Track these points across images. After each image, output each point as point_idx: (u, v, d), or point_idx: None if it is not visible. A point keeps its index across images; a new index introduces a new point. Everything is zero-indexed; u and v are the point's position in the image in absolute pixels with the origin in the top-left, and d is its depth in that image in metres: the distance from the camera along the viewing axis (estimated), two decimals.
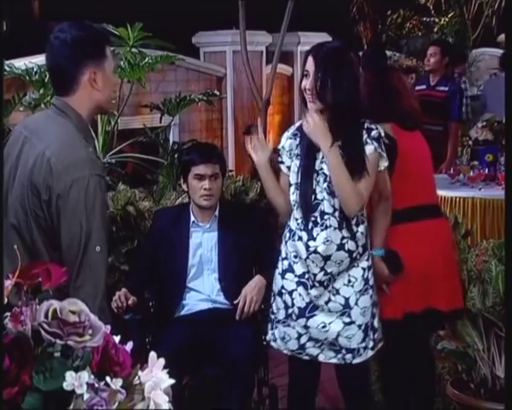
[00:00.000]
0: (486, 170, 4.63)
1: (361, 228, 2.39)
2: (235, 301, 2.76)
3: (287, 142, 2.50)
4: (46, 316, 1.08)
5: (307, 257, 2.39)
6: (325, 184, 2.37)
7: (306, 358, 2.46)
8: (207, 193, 2.85)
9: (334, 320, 2.38)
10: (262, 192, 4.92)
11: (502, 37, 8.58)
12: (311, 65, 2.32)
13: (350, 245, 2.37)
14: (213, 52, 6.53)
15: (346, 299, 2.38)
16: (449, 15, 8.63)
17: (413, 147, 2.69)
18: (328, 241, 2.36)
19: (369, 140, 2.33)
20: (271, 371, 3.13)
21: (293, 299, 2.43)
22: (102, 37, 2.04)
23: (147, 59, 4.60)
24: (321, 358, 2.44)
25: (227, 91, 6.43)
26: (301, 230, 2.40)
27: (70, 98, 1.96)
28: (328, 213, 2.36)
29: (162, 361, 1.11)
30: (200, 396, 2.79)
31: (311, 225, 2.38)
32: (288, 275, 2.45)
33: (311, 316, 2.40)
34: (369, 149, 2.33)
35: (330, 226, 2.36)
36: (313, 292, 2.39)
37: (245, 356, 2.63)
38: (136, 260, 3.13)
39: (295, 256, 2.43)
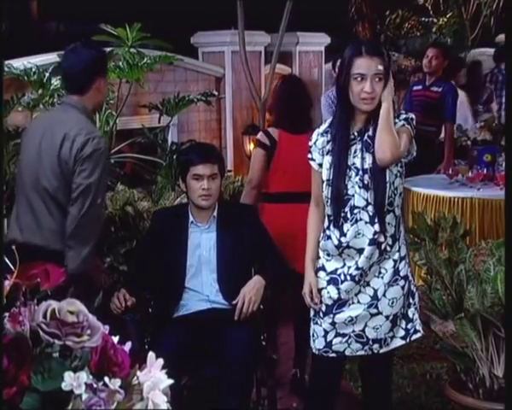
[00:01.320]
0: (485, 170, 4.63)
1: (388, 218, 2.40)
2: (234, 302, 2.77)
3: (319, 139, 2.50)
4: (44, 316, 1.08)
5: (341, 253, 2.42)
6: (357, 178, 2.39)
7: (333, 355, 2.46)
8: (206, 193, 2.85)
9: (360, 313, 2.41)
10: None
11: (500, 37, 8.58)
12: (367, 67, 2.34)
13: (380, 238, 2.38)
14: (212, 52, 6.52)
15: (375, 290, 2.41)
16: (447, 16, 8.63)
17: (292, 148, 3.33)
18: (359, 234, 2.39)
19: (397, 120, 2.39)
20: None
21: (321, 297, 2.46)
22: (106, 56, 2.97)
23: (145, 59, 4.60)
24: (347, 352, 2.46)
25: (226, 91, 6.42)
26: (333, 226, 2.43)
27: (81, 97, 2.75)
28: (358, 207, 2.38)
29: (161, 361, 1.11)
30: (198, 396, 2.79)
31: (341, 221, 2.41)
32: (321, 273, 2.49)
33: (338, 313, 2.43)
34: (398, 124, 2.39)
35: (361, 220, 2.38)
36: (343, 287, 2.41)
37: (243, 356, 2.63)
38: (135, 261, 3.13)
39: (328, 254, 2.46)
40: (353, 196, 2.39)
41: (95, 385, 1.04)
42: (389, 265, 2.42)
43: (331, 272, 2.45)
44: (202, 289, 2.89)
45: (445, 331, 2.94)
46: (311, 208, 2.57)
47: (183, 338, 2.72)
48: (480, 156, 4.83)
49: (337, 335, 2.44)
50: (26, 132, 2.94)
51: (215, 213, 2.94)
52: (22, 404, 1.01)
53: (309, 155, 2.52)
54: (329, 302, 2.44)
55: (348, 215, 2.39)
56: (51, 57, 4.84)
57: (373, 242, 2.37)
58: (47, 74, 4.35)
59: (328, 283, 2.45)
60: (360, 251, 2.39)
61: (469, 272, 2.82)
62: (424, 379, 3.65)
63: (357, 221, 2.38)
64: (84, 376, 1.03)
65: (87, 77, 2.73)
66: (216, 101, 5.99)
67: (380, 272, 2.42)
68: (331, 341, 2.45)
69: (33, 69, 4.36)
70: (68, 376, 1.02)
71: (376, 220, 2.36)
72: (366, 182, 2.37)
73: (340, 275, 2.43)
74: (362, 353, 2.46)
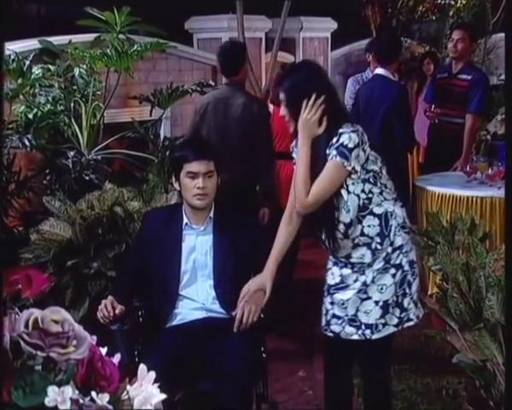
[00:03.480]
0: None
1: (366, 222, 2.65)
2: (234, 313, 2.77)
3: (294, 141, 2.81)
4: (26, 326, 1.08)
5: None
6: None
7: (331, 335, 2.75)
8: (201, 192, 2.86)
9: (351, 297, 2.68)
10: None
11: None
12: (282, 96, 2.69)
13: (361, 241, 2.68)
14: (208, 39, 6.53)
15: (366, 277, 2.69)
16: None
17: (280, 119, 4.63)
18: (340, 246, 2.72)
19: (328, 150, 2.61)
20: (271, 386, 3.14)
21: (327, 276, 2.78)
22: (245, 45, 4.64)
23: (135, 46, 4.59)
24: (342, 335, 2.72)
25: (223, 82, 6.43)
26: None
27: (236, 78, 4.33)
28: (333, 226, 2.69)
29: (152, 375, 1.12)
30: None
31: None
32: (330, 256, 2.81)
33: (335, 293, 2.73)
34: (330, 155, 2.61)
35: (337, 237, 2.69)
36: (343, 271, 2.72)
37: (242, 369, 2.64)
38: (124, 266, 3.14)
39: None
40: None
41: (81, 401, 1.04)
42: (382, 255, 2.67)
43: (335, 256, 2.78)
44: (197, 296, 2.89)
45: (462, 343, 2.95)
46: None
47: (176, 350, 2.72)
48: (501, 152, 4.82)
49: (334, 316, 2.74)
50: (204, 105, 4.38)
51: (211, 214, 2.95)
52: None
53: (293, 155, 2.87)
54: (331, 282, 2.75)
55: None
56: (32, 43, 4.85)
57: (355, 246, 2.67)
58: (27, 62, 4.36)
59: (334, 264, 2.77)
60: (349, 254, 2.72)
61: (489, 279, 2.83)
62: (440, 396, 3.65)
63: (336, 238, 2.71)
64: (69, 390, 1.04)
65: (241, 60, 4.35)
66: None
67: (374, 261, 2.69)
68: (329, 320, 2.75)
69: (12, 56, 4.35)
70: (52, 391, 1.03)
71: (350, 235, 2.67)
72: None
73: (342, 261, 2.74)
74: (356, 337, 2.70)
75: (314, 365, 4.09)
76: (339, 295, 2.71)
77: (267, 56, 6.68)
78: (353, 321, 2.69)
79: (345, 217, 2.64)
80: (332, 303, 2.74)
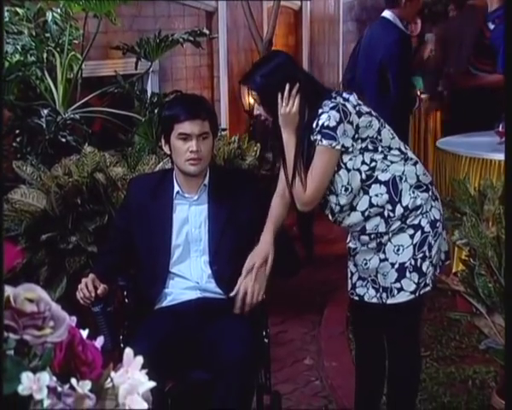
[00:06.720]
0: None
1: (372, 192, 2.75)
2: (233, 293, 2.78)
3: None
4: None
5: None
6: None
7: (356, 298, 2.94)
8: (195, 156, 2.86)
9: (372, 256, 2.84)
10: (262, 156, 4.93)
11: None
12: (254, 95, 2.80)
13: (374, 211, 2.78)
14: None
15: (382, 238, 2.82)
16: None
17: None
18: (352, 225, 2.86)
19: (312, 136, 2.70)
20: (274, 375, 3.17)
21: (349, 241, 2.95)
22: None
23: None
24: (366, 298, 2.90)
25: (219, 30, 6.40)
26: None
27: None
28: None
29: (140, 360, 1.12)
30: (186, 405, 2.83)
31: None
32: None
33: (357, 254, 2.89)
34: (316, 141, 2.71)
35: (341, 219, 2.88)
36: (362, 239, 2.87)
37: (241, 357, 2.65)
38: (107, 240, 3.15)
39: None
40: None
41: (59, 389, 1.05)
42: (399, 211, 2.76)
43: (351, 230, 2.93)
44: (191, 274, 2.91)
45: (491, 327, 2.97)
46: None
47: (166, 334, 2.74)
48: None
49: (359, 278, 2.92)
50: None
51: (206, 182, 2.95)
52: None
53: None
54: (353, 246, 2.91)
55: None
56: None
57: (367, 218, 2.78)
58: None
59: (352, 235, 2.92)
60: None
61: None
62: (465, 386, 3.68)
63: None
64: (45, 377, 1.04)
65: None
66: (207, 42, 5.97)
67: (389, 228, 2.81)
68: (355, 283, 2.93)
69: None
70: (26, 377, 1.03)
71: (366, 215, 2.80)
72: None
73: (357, 232, 2.87)
74: (375, 300, 2.87)
75: (322, 352, 4.12)
76: (361, 256, 2.86)
77: (269, 2, 6.63)
78: (374, 283, 2.86)
79: (344, 199, 2.77)
80: (355, 265, 2.90)
